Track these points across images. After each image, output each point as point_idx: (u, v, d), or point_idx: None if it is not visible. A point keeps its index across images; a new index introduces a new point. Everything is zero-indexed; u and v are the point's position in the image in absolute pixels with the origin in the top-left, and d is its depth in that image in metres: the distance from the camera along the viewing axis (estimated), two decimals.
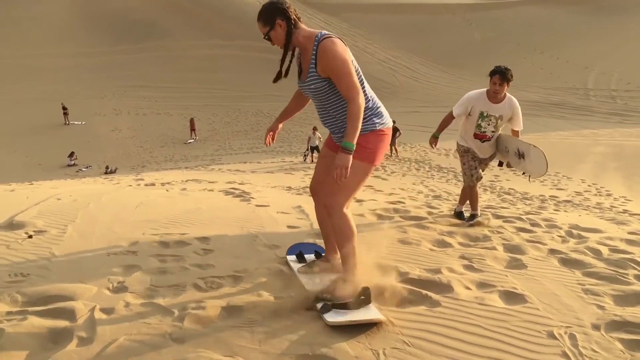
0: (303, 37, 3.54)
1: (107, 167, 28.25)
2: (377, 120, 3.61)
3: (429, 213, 7.01)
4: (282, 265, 4.28)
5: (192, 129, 35.09)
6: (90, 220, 5.72)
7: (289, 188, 14.35)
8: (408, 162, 23.86)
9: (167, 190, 10.25)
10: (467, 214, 6.66)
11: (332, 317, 3.22)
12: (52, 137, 33.39)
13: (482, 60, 44.51)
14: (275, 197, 8.71)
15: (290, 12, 3.50)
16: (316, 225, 5.73)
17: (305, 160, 24.54)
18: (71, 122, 34.70)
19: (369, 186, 16.77)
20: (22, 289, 3.71)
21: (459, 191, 16.92)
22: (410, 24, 47.94)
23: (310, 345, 3.00)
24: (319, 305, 3.37)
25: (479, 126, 6.11)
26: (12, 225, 5.45)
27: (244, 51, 43.21)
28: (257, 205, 7.23)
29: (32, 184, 15.33)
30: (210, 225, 5.64)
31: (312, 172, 22.21)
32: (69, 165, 29.55)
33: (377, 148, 3.62)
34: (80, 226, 5.44)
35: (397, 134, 24.24)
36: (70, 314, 3.33)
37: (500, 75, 5.82)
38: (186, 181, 16.21)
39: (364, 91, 3.51)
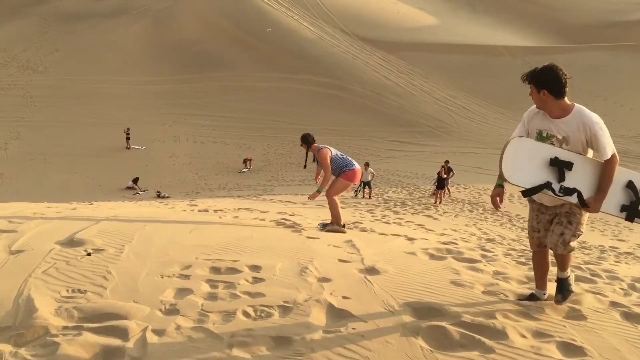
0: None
1: (158, 193, 29.03)
2: None
3: (483, 256, 6.81)
4: (331, 298, 4.23)
5: (248, 160, 35.83)
6: (146, 242, 5.86)
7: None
8: (461, 203, 23.43)
9: (219, 217, 10.41)
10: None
11: None
12: (113, 160, 34.66)
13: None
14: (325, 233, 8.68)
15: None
16: (368, 261, 5.68)
17: (356, 195, 24.39)
18: (132, 147, 35.99)
19: (420, 225, 16.56)
20: (78, 305, 3.80)
21: (513, 235, 16.50)
22: (468, 64, 47.74)
23: None
24: None
25: None
26: (72, 242, 5.64)
27: (301, 84, 44.04)
28: (308, 237, 7.23)
29: (92, 204, 15.90)
30: (262, 253, 5.66)
31: (362, 207, 21.98)
32: (128, 188, 30.51)
33: None
34: (137, 247, 5.57)
35: (451, 174, 23.88)
36: (123, 333, 3.39)
37: (527, 79, 4.24)
38: (238, 209, 16.43)
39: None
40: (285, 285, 4.50)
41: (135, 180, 30.92)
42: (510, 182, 4.07)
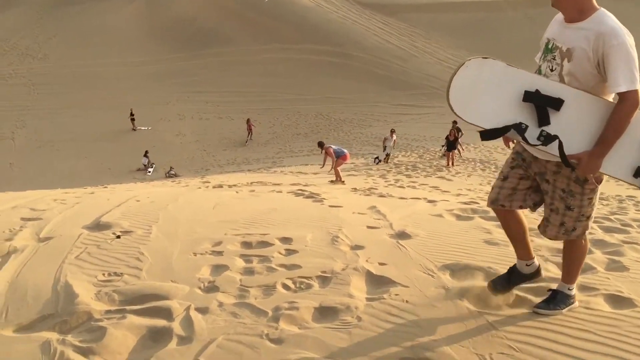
0: None
1: (171, 168, 29.03)
2: None
3: None
4: (368, 265, 4.19)
5: (249, 130, 35.74)
6: (172, 221, 5.82)
7: (355, 189, 14.25)
8: (472, 163, 23.32)
9: (236, 192, 10.38)
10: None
11: None
12: (120, 143, 34.61)
13: None
14: (346, 198, 8.64)
15: None
16: (396, 226, 5.63)
17: (377, 162, 24.15)
18: (138, 128, 35.89)
19: (434, 187, 16.49)
20: (117, 287, 3.78)
21: None
22: (469, 22, 46.91)
23: (412, 348, 2.89)
24: None
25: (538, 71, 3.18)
26: (99, 226, 5.61)
27: (302, 54, 43.50)
28: (330, 206, 7.19)
29: (106, 187, 15.91)
30: (289, 225, 5.62)
31: (374, 172, 21.93)
32: (144, 165, 30.59)
33: None
34: (163, 226, 5.54)
35: (460, 134, 23.67)
36: (167, 313, 3.36)
37: None
38: (252, 183, 16.42)
39: None
40: (319, 256, 4.46)
41: (146, 153, 31.11)
42: (462, 119, 2.97)
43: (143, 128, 36.15)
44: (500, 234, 5.21)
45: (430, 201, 8.51)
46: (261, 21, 45.86)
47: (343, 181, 16.13)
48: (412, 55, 43.07)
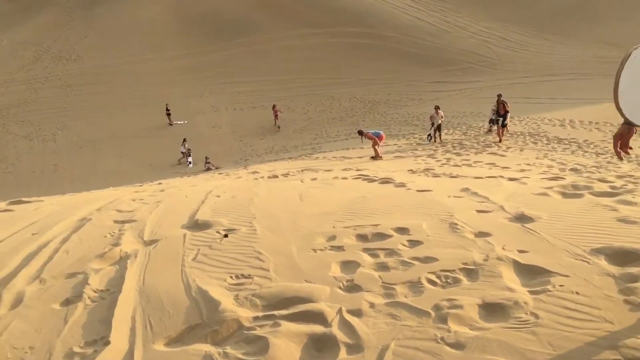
0: None
1: (206, 158, 29.09)
2: None
3: (613, 187, 6.35)
4: (509, 253, 3.90)
5: (275, 116, 35.58)
6: (269, 216, 5.62)
7: (412, 171, 13.93)
8: (522, 137, 22.67)
9: (301, 181, 10.16)
10: None
11: None
12: (159, 138, 34.81)
13: (583, 23, 41.80)
14: (425, 181, 8.34)
15: None
16: (509, 208, 5.31)
17: (430, 140, 23.68)
18: (174, 122, 36.00)
19: (490, 163, 16.06)
20: (254, 291, 3.58)
21: (590, 162, 15.83)
22: None
23: (617, 349, 2.60)
24: None
25: None
26: (198, 225, 5.44)
27: (332, 38, 42.95)
28: (418, 191, 6.89)
29: (160, 183, 15.90)
30: (394, 214, 5.35)
31: (423, 152, 21.54)
32: (182, 153, 30.85)
33: None
34: (264, 222, 5.34)
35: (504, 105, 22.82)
36: (319, 317, 3.14)
37: None
38: (302, 171, 16.23)
39: None
40: (448, 245, 4.19)
41: (184, 141, 31.43)
42: (633, 124, 2.45)
43: (179, 122, 36.24)
44: (630, 211, 4.86)
45: (512, 179, 8.15)
46: (288, 6, 45.39)
47: (381, 157, 18.71)
48: (444, 31, 42.09)
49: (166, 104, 36.01)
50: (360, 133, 19.93)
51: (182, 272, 3.98)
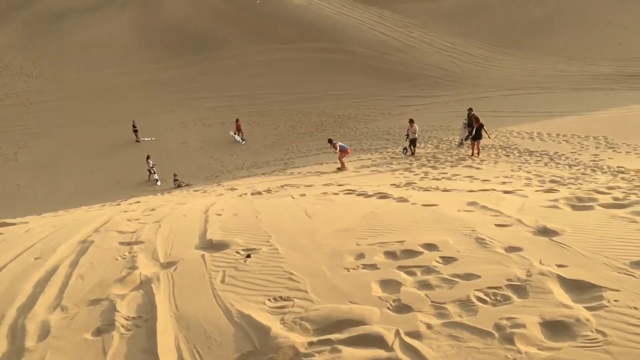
0: None
1: (175, 175, 28.49)
2: None
3: (614, 198, 6.45)
4: (550, 268, 3.87)
5: (238, 130, 35.33)
6: (285, 235, 5.48)
7: (395, 185, 13.96)
8: (493, 149, 23.05)
9: (292, 197, 10.02)
10: None
11: None
12: (126, 155, 34.02)
13: (545, 38, 43.06)
14: (422, 196, 8.32)
15: None
16: (528, 221, 5.31)
17: (405, 154, 23.74)
18: (142, 139, 35.28)
19: (469, 176, 16.25)
20: (299, 314, 3.43)
21: (566, 174, 16.17)
22: (464, 8, 46.71)
23: None
24: None
25: None
26: (214, 245, 5.25)
27: (300, 53, 43.04)
28: (424, 205, 6.85)
29: (139, 202, 15.49)
30: (413, 230, 5.29)
31: (397, 166, 21.66)
32: (149, 170, 30.08)
33: None
34: (283, 241, 5.19)
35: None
36: (379, 341, 3.03)
37: None
38: (283, 187, 16.09)
39: None
40: (484, 261, 4.14)
41: (148, 158, 30.67)
42: None
43: (147, 139, 35.52)
44: None
45: (507, 192, 8.22)
46: (255, 22, 45.33)
47: (347, 167, 20.40)
48: (410, 46, 42.68)
49: (133, 121, 35.27)
50: (330, 141, 21.76)
51: (216, 296, 3.81)
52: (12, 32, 48.02)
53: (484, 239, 4.68)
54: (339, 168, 20.97)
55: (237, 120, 36.09)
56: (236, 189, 17.50)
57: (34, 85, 41.30)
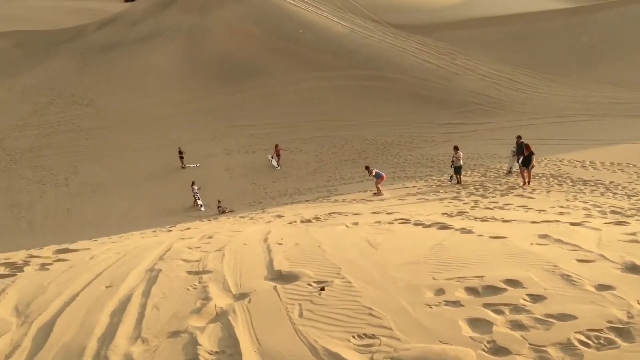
0: None
1: (219, 201, 28.69)
2: None
3: None
4: None
5: (277, 155, 35.57)
6: (355, 267, 5.35)
7: (447, 214, 13.70)
8: (544, 178, 22.49)
9: (346, 226, 9.92)
10: None
11: None
12: (171, 182, 34.60)
13: (591, 65, 42.24)
14: (485, 227, 8.08)
15: None
16: (612, 257, 5.05)
17: (451, 181, 23.44)
18: (187, 166, 35.89)
19: (522, 206, 15.84)
20: (392, 354, 3.29)
21: (625, 204, 15.59)
22: (508, 35, 46.29)
23: None
24: None
25: None
26: (283, 276, 5.17)
27: (343, 80, 43.32)
28: (491, 237, 6.63)
29: (189, 228, 15.62)
30: (489, 264, 5.09)
31: (445, 194, 21.40)
32: (194, 196, 30.39)
33: None
34: (354, 273, 5.07)
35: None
36: None
37: None
38: (330, 214, 16.00)
39: None
40: (575, 300, 3.93)
41: (193, 184, 31.06)
42: None
43: (192, 165, 36.12)
44: None
45: (574, 224, 7.90)
46: (297, 51, 45.94)
47: (382, 193, 21.06)
48: (454, 73, 42.45)
49: (179, 147, 35.97)
50: (367, 168, 22.76)
51: (297, 331, 3.70)
52: (65, 62, 49.98)
53: (570, 276, 4.46)
54: (375, 193, 21.67)
55: (276, 146, 36.47)
56: (283, 216, 17.52)
57: (85, 113, 42.70)
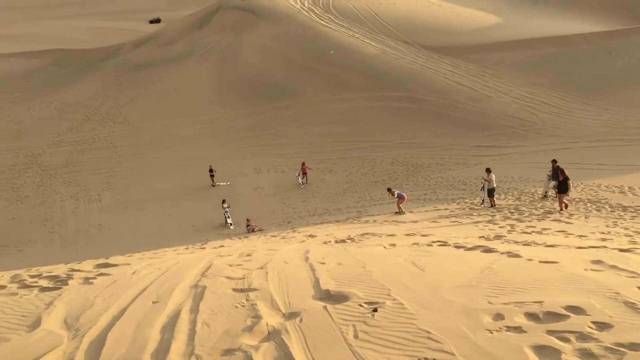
0: None
1: (248, 220, 28.74)
2: None
3: None
4: None
5: (304, 173, 35.63)
6: (404, 289, 5.24)
7: (484, 238, 13.45)
8: (581, 203, 21.99)
9: (384, 247, 9.77)
10: None
11: None
12: (202, 199, 34.88)
13: (628, 89, 41.52)
14: (532, 251, 7.87)
15: None
16: None
17: (483, 204, 23.14)
18: (217, 184, 36.18)
19: (561, 231, 15.49)
20: None
21: None
22: (541, 58, 45.87)
23: None
24: None
25: None
26: (332, 296, 5.08)
27: (373, 101, 43.38)
28: (541, 262, 6.43)
29: (222, 246, 15.64)
30: (546, 290, 4.92)
31: (479, 217, 21.05)
32: (225, 213, 30.56)
33: None
34: (404, 295, 4.95)
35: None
36: None
37: None
38: (363, 235, 15.87)
39: None
40: None
41: (224, 202, 31.28)
42: None
43: (222, 184, 36.40)
44: None
45: (623, 250, 7.64)
46: (328, 71, 46.23)
47: (404, 212, 22.21)
48: (485, 96, 42.14)
49: (210, 165, 36.34)
50: (389, 190, 24.01)
51: (354, 353, 3.60)
52: (101, 80, 51.23)
53: (635, 304, 4.27)
54: (396, 212, 22.93)
55: (303, 164, 36.64)
56: (315, 236, 17.42)
57: (118, 131, 43.56)
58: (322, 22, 53.78)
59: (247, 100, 45.65)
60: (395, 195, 23.31)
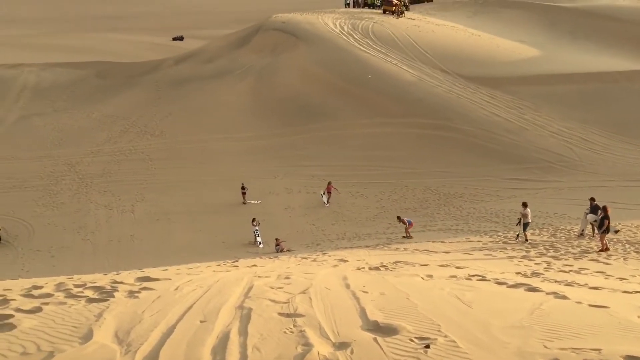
0: None
1: (276, 240, 28.72)
2: None
3: None
4: None
5: (328, 192, 35.70)
6: (453, 324, 5.16)
7: (521, 274, 13.23)
8: (619, 244, 21.46)
9: (423, 278, 9.67)
10: None
11: None
12: (232, 216, 35.07)
13: None
14: (575, 292, 7.69)
15: None
16: None
17: (518, 239, 22.81)
18: (248, 202, 36.41)
19: (600, 272, 15.15)
20: None
21: None
22: (581, 93, 45.28)
23: None
24: None
25: None
26: (379, 328, 5.03)
27: (408, 128, 43.32)
28: (590, 306, 6.27)
29: (255, 265, 15.67)
30: (602, 336, 4.80)
31: (513, 252, 20.71)
32: (255, 232, 30.67)
33: None
34: (456, 332, 4.88)
35: (599, 212, 21.60)
36: None
37: None
38: (395, 263, 15.73)
39: None
40: None
41: (253, 220, 31.44)
42: None
43: (253, 202, 36.61)
44: None
45: None
46: (365, 96, 46.39)
47: (412, 237, 24.60)
48: (522, 128, 41.69)
49: (242, 183, 36.63)
50: (399, 218, 26.07)
51: None
52: (141, 94, 52.39)
53: None
54: (404, 236, 25.23)
55: (329, 183, 36.78)
56: (347, 261, 17.34)
57: (155, 144, 44.36)
58: (360, 47, 54.25)
59: (282, 120, 46.04)
60: (405, 221, 25.38)
